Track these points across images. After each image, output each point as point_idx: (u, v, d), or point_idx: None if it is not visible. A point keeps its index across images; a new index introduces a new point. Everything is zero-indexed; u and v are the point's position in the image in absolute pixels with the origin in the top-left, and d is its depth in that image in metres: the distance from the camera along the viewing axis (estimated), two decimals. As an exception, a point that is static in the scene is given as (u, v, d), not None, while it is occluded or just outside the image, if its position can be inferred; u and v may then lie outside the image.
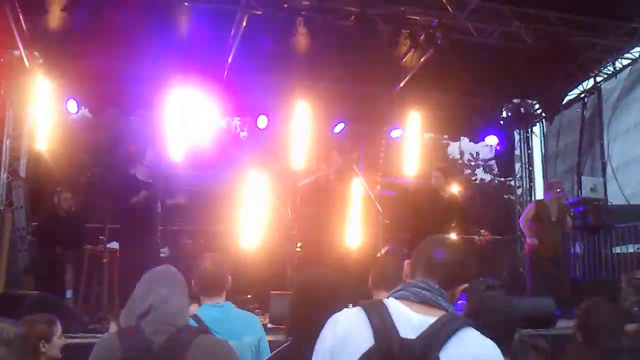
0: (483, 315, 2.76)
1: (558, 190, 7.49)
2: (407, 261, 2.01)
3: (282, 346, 2.61)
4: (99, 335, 5.03)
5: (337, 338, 1.75)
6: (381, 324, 1.70)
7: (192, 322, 2.66)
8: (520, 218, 7.89)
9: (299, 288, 2.76)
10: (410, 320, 1.71)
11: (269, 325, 5.53)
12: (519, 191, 10.96)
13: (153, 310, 2.24)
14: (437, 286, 1.81)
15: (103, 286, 6.10)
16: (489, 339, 1.76)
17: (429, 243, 1.97)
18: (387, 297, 1.83)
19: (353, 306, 1.84)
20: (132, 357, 2.14)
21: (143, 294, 2.31)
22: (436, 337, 1.66)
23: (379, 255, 7.90)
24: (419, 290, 1.79)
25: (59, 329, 3.48)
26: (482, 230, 7.81)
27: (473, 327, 1.74)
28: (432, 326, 1.68)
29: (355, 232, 7.56)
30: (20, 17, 7.40)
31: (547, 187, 7.74)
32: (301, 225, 7.44)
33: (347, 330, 1.75)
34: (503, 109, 10.70)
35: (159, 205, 6.42)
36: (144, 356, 2.14)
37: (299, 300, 2.61)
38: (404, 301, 1.78)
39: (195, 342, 2.19)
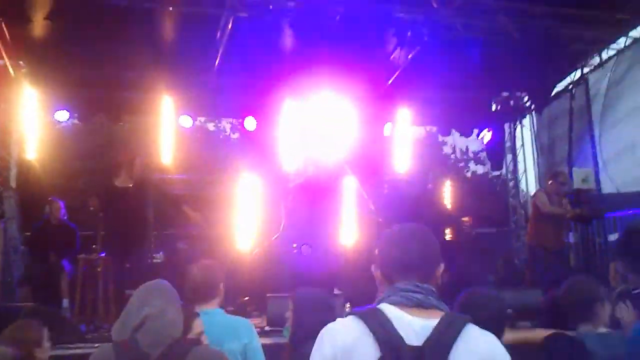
0: (473, 311, 2.77)
1: (562, 181, 7.44)
2: (372, 266, 1.96)
3: None
4: (96, 345, 5.04)
5: (337, 349, 1.71)
6: (384, 332, 1.67)
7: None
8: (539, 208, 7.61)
9: None
10: (412, 326, 1.69)
11: (267, 328, 5.53)
12: (511, 184, 10.99)
13: (148, 322, 2.23)
14: (424, 285, 1.80)
15: (98, 295, 6.06)
16: (489, 333, 1.76)
17: (389, 242, 1.92)
18: (378, 304, 1.80)
19: (345, 316, 1.81)
20: None
21: (137, 306, 2.29)
22: (443, 341, 1.66)
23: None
24: (411, 294, 1.77)
25: (45, 332, 3.49)
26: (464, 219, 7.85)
27: (472, 322, 1.74)
28: (435, 330, 1.67)
29: (350, 231, 7.57)
30: (3, 26, 7.33)
31: (551, 176, 7.65)
32: (295, 225, 7.43)
33: (347, 341, 1.71)
34: (492, 102, 10.70)
35: (151, 211, 6.40)
36: None
37: None
38: (399, 306, 1.75)
39: (191, 353, 2.17)
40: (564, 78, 9.60)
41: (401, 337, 1.66)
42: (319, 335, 1.79)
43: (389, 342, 1.66)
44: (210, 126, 14.24)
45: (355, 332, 1.71)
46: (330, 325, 1.80)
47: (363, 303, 3.64)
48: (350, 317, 1.77)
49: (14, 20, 7.18)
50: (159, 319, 2.24)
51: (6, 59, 7.83)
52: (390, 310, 1.74)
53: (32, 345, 3.26)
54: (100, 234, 6.03)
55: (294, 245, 7.76)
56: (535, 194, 8.03)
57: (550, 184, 7.48)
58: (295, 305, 3.33)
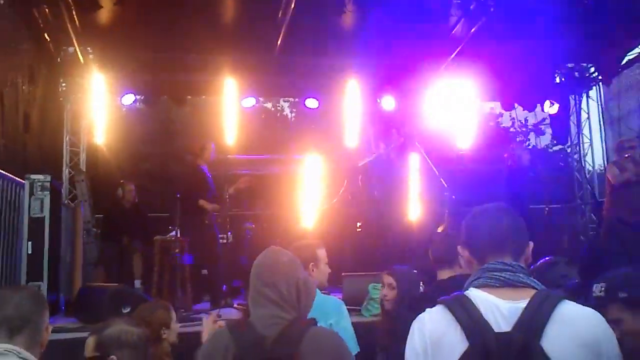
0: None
1: (632, 148, 7.16)
2: (459, 247, 1.92)
3: None
4: (179, 325, 5.16)
5: (426, 341, 1.69)
6: (470, 321, 1.62)
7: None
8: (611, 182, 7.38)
9: None
10: (500, 309, 1.63)
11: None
12: (576, 157, 10.68)
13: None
14: (513, 262, 1.74)
15: (175, 276, 6.19)
16: (590, 309, 1.66)
17: (477, 219, 1.87)
18: (467, 289, 1.75)
19: (432, 306, 1.77)
20: (245, 353, 2.11)
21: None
22: (533, 323, 1.57)
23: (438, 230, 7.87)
24: (498, 273, 1.71)
25: (174, 314, 3.58)
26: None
27: (568, 299, 1.65)
28: (525, 312, 1.59)
29: (419, 208, 7.50)
30: (74, 13, 7.47)
31: (619, 147, 7.38)
32: (363, 204, 7.41)
33: (435, 332, 1.69)
34: (557, 74, 10.38)
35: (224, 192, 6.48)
36: (256, 351, 2.10)
37: None
38: (486, 289, 1.70)
39: (308, 335, 2.14)
40: (637, 45, 9.17)
41: (489, 325, 1.60)
42: (411, 328, 1.77)
43: (477, 331, 1.60)
44: (269, 106, 14.28)
45: (443, 323, 1.67)
46: (419, 317, 1.77)
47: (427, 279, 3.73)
48: (438, 307, 1.74)
49: (84, 6, 7.29)
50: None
51: (76, 46, 7.98)
52: (477, 295, 1.69)
53: (161, 327, 3.33)
54: (176, 215, 6.12)
55: (359, 224, 7.77)
56: (607, 166, 7.76)
57: (620, 153, 7.24)
58: (398, 281, 3.68)
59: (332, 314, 3.34)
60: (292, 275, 2.26)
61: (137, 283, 7.31)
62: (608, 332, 1.62)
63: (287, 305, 2.22)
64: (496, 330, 1.59)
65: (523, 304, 1.62)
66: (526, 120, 17.44)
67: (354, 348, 3.59)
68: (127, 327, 2.50)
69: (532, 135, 17.32)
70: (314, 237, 7.76)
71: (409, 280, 3.84)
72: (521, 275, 1.72)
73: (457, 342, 1.62)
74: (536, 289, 1.69)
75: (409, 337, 1.75)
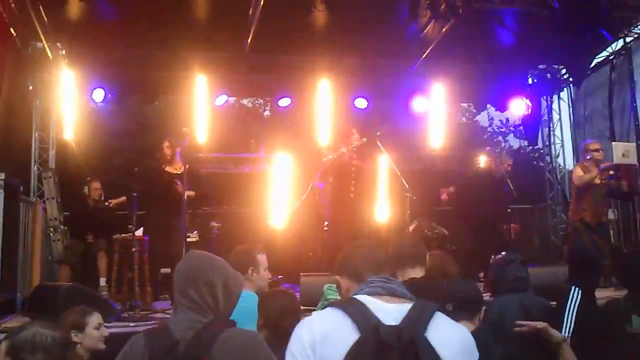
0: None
1: (596, 151, 7.30)
2: (337, 277, 2.19)
3: None
4: (132, 324, 5.17)
5: (315, 335, 1.76)
6: (362, 316, 1.74)
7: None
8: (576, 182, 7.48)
9: None
10: (387, 310, 1.78)
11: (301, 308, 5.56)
12: (548, 158, 10.77)
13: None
14: (394, 279, 1.98)
15: (134, 274, 6.18)
16: (455, 322, 1.88)
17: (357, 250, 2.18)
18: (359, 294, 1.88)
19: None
20: (158, 357, 2.11)
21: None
22: (418, 321, 1.75)
23: (406, 231, 7.91)
24: (385, 283, 1.89)
25: (94, 319, 3.49)
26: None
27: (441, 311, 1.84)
28: (410, 312, 1.77)
29: (382, 209, 7.52)
30: (41, 8, 7.42)
31: (584, 149, 7.50)
32: (327, 203, 7.42)
33: (326, 327, 1.77)
34: (529, 76, 10.46)
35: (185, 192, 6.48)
36: (169, 355, 2.10)
37: None
38: (374, 296, 1.85)
39: (221, 337, 2.14)
40: (605, 49, 9.27)
41: (379, 319, 1.74)
42: (295, 328, 1.84)
43: (367, 323, 1.73)
44: (244, 103, 14.24)
45: (333, 320, 1.77)
46: (306, 319, 1.87)
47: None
48: (327, 309, 1.84)
49: (50, 2, 7.25)
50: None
51: (44, 42, 7.93)
52: (366, 300, 1.83)
53: (70, 330, 3.30)
54: (135, 213, 6.11)
55: (325, 224, 7.78)
56: (573, 169, 7.88)
57: (585, 155, 7.38)
58: None
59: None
60: (208, 279, 2.26)
61: (102, 281, 7.29)
62: (472, 340, 1.85)
63: (204, 309, 2.22)
64: (386, 324, 1.73)
65: (407, 307, 1.80)
66: (507, 120, 17.50)
67: None
68: (42, 329, 2.45)
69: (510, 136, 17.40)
70: (281, 236, 7.83)
71: None
72: (402, 287, 1.93)
73: (348, 333, 1.71)
74: (412, 300, 1.87)
75: (293, 335, 1.81)
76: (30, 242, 6.55)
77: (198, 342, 2.12)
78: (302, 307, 5.61)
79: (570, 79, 10.05)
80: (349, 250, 2.21)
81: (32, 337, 2.42)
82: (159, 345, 2.15)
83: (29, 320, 2.67)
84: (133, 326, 5.07)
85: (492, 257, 4.68)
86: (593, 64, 9.53)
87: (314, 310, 5.68)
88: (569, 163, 10.68)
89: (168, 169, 7.07)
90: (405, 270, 3.35)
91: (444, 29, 8.58)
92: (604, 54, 9.32)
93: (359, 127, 7.69)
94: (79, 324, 3.38)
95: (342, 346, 1.70)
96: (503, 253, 5.03)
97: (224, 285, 2.30)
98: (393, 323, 1.73)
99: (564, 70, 10.17)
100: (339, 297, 5.51)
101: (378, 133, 7.38)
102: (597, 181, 7.22)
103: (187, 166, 6.22)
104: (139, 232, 6.44)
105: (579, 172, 7.37)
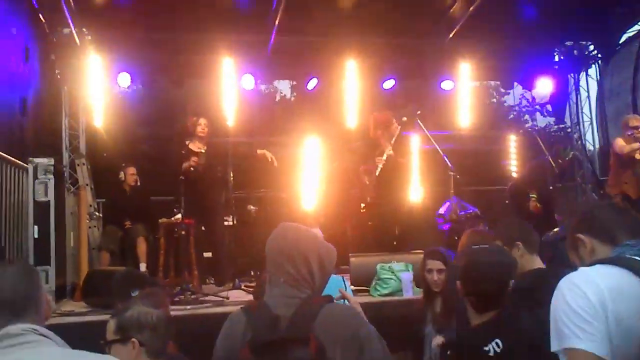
0: None
1: (635, 128, 7.22)
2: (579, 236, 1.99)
3: None
4: (189, 307, 5.16)
5: (603, 291, 1.67)
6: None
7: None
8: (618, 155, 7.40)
9: None
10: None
11: (352, 288, 5.55)
12: (575, 136, 10.69)
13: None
14: None
15: (180, 258, 6.16)
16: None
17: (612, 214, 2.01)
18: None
19: None
20: (260, 334, 2.06)
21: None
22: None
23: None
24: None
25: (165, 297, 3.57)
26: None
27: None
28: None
29: (423, 189, 7.50)
30: (69, -6, 7.36)
31: (624, 124, 7.42)
32: (366, 185, 7.38)
33: (612, 283, 1.68)
34: (556, 53, 10.36)
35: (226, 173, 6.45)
36: (271, 331, 2.06)
37: None
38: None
39: (322, 312, 2.09)
40: (636, 23, 9.17)
41: None
42: (568, 284, 1.73)
43: None
44: (270, 88, 14.15)
45: (617, 275, 1.69)
46: (576, 275, 1.75)
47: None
48: (598, 266, 1.75)
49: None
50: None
51: (72, 27, 7.86)
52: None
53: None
54: (180, 197, 6.08)
55: (362, 205, 7.74)
56: (613, 141, 7.79)
57: (625, 131, 7.30)
58: (446, 263, 3.96)
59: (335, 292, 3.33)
60: (304, 252, 2.20)
61: (143, 267, 7.26)
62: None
63: (300, 283, 2.17)
64: None
65: None
66: (533, 99, 17.31)
67: None
68: (146, 308, 2.51)
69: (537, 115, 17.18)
70: (314, 218, 7.79)
71: (449, 260, 4.04)
72: None
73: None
74: None
75: (570, 295, 1.70)
76: (77, 228, 6.51)
77: (301, 319, 2.08)
78: (353, 288, 5.65)
79: (599, 55, 9.95)
80: (595, 209, 2.07)
81: (137, 316, 2.48)
82: (261, 322, 2.10)
83: (133, 300, 2.68)
84: (190, 309, 5.05)
85: (545, 234, 4.65)
86: (623, 39, 9.44)
87: (367, 289, 5.71)
88: (597, 141, 10.61)
89: (192, 146, 6.96)
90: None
91: (471, 7, 8.53)
92: (636, 28, 9.21)
93: (385, 107, 7.62)
94: (161, 302, 3.40)
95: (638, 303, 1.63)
96: (556, 230, 4.99)
97: (319, 258, 2.23)
98: None
99: (592, 47, 10.06)
100: (392, 277, 5.52)
101: (418, 112, 7.29)
102: (638, 156, 7.16)
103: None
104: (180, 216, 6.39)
105: (621, 142, 7.30)
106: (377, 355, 2.09)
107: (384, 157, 7.06)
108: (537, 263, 3.09)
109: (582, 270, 1.77)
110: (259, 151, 7.07)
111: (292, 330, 2.06)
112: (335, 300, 2.31)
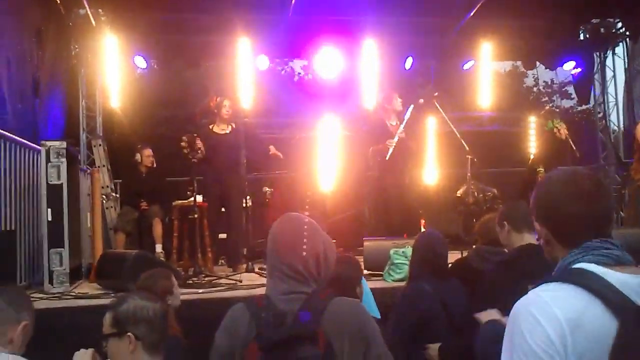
0: None
1: None
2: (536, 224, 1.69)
3: None
4: (200, 291, 5.15)
5: (561, 323, 1.42)
6: (614, 295, 1.42)
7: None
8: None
9: None
10: (628, 284, 1.45)
11: (365, 272, 5.50)
12: (600, 117, 10.43)
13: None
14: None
15: (195, 240, 6.15)
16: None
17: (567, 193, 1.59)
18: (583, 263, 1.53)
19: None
20: (266, 330, 1.99)
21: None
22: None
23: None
24: (609, 251, 1.52)
25: (174, 280, 3.59)
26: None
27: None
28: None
29: (437, 171, 7.39)
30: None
31: None
32: (378, 168, 7.29)
33: (571, 313, 1.42)
34: (580, 31, 10.07)
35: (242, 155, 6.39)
36: (278, 328, 1.98)
37: None
38: (602, 265, 1.49)
39: (329, 307, 2.03)
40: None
41: (631, 299, 1.41)
42: (524, 312, 1.48)
43: (623, 306, 1.40)
44: (286, 68, 14.05)
45: (579, 302, 1.43)
46: (531, 298, 1.49)
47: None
48: (554, 284, 1.49)
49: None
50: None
51: (87, 8, 7.83)
52: (600, 271, 1.47)
53: (165, 295, 3.31)
54: (195, 179, 6.04)
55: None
56: (638, 124, 7.56)
57: None
58: None
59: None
60: (310, 246, 2.11)
61: (158, 248, 7.27)
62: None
63: (306, 278, 2.10)
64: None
65: None
66: (552, 81, 17.02)
67: (375, 312, 3.54)
68: (143, 302, 2.46)
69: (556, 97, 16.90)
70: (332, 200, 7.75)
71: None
72: (626, 253, 1.57)
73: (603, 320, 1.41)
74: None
75: (526, 329, 1.46)
76: (91, 210, 6.54)
77: (308, 315, 2.01)
78: (367, 272, 5.59)
79: (627, 33, 9.64)
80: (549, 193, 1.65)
81: (133, 310, 2.43)
82: (266, 318, 2.03)
83: (128, 293, 2.65)
84: (202, 292, 5.05)
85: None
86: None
87: (381, 274, 5.65)
88: (622, 122, 10.33)
89: (216, 129, 6.88)
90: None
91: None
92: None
93: (403, 88, 7.48)
94: (168, 287, 3.42)
95: (601, 337, 1.40)
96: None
97: (324, 252, 2.17)
98: None
99: (619, 24, 9.74)
100: (406, 262, 5.46)
101: (436, 94, 7.14)
102: None
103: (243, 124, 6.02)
104: (199, 198, 6.35)
105: None
106: (383, 350, 2.05)
107: (395, 140, 6.93)
108: (527, 239, 3.02)
109: (539, 295, 1.48)
110: (271, 152, 7.01)
111: (300, 327, 1.99)
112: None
